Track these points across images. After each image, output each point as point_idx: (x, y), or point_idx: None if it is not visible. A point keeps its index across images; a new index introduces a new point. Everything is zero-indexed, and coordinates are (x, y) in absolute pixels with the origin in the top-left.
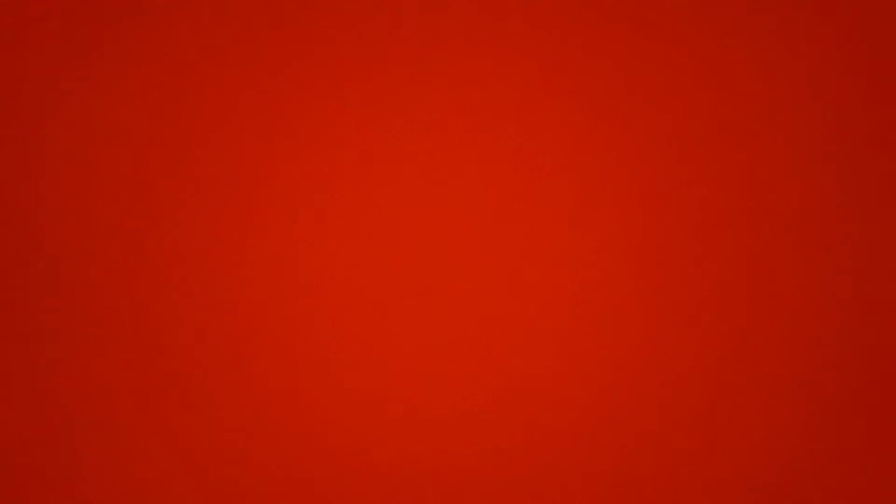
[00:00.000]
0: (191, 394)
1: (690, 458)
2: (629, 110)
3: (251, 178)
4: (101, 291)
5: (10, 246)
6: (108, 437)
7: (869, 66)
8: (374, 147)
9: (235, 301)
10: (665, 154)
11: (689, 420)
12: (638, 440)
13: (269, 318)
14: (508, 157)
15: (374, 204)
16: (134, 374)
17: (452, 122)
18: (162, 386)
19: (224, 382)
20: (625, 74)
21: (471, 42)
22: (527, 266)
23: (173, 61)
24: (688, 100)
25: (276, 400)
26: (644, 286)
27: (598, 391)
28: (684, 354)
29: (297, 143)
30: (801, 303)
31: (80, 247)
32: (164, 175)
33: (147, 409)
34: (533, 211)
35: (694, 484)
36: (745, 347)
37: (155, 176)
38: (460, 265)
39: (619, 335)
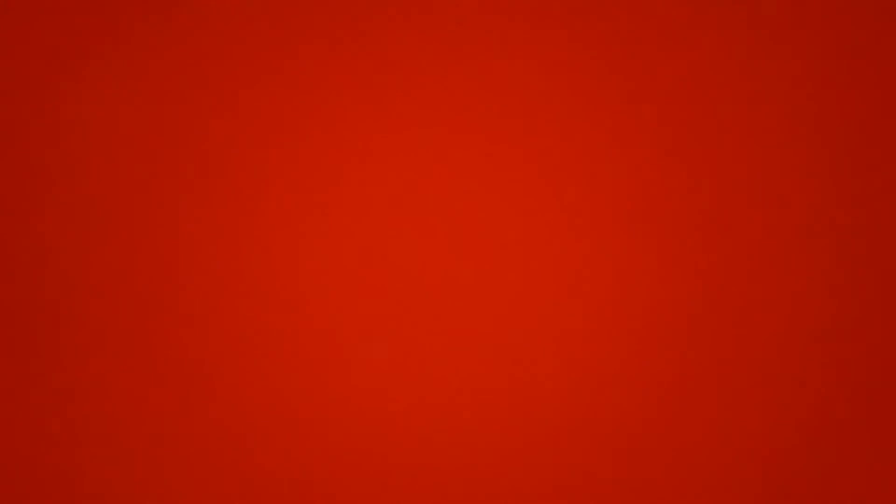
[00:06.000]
0: (190, 393)
1: (690, 458)
2: (629, 111)
3: (252, 179)
4: (102, 291)
5: (11, 245)
6: (109, 436)
7: (869, 66)
8: (376, 148)
9: (236, 300)
10: (664, 154)
11: (689, 420)
12: (638, 440)
13: (270, 318)
14: (509, 157)
15: (375, 204)
16: (134, 375)
17: (454, 124)
18: (161, 386)
19: (224, 382)
20: (625, 74)
21: (471, 44)
22: (527, 266)
23: (172, 62)
24: (687, 100)
25: (277, 400)
26: (644, 286)
27: (598, 392)
28: (684, 355)
29: (298, 143)
30: (801, 303)
31: (81, 246)
32: (163, 175)
33: (147, 408)
34: (533, 211)
35: (694, 483)
36: (745, 347)
37: (154, 176)
38: (461, 265)
39: (620, 335)
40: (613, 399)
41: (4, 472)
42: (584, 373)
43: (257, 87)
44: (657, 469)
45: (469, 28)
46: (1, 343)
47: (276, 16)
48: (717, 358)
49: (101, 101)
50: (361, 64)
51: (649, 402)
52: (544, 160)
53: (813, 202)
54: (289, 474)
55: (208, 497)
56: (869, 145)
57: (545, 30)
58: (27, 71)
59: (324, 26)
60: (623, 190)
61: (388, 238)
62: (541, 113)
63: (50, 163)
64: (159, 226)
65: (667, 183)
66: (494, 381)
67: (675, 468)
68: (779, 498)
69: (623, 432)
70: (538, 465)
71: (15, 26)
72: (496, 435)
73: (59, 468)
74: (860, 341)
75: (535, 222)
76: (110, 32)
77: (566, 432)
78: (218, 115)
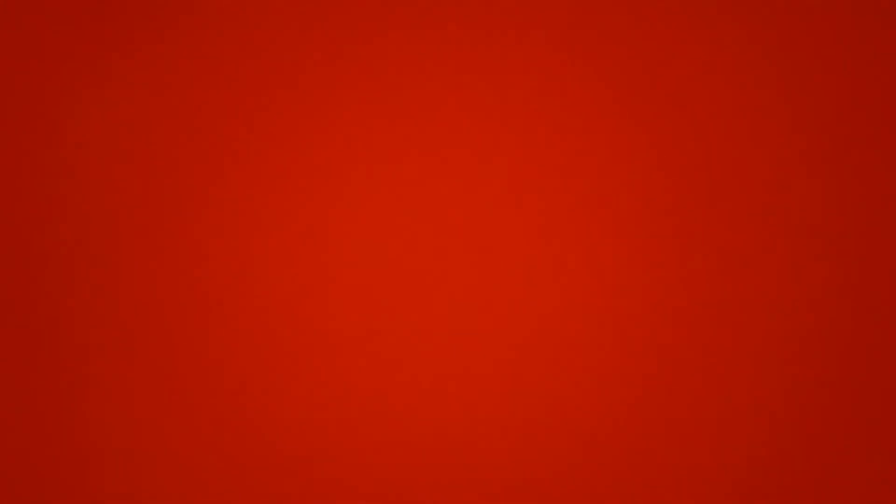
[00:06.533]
0: (192, 393)
1: (690, 459)
2: (630, 112)
3: (255, 180)
4: (106, 291)
5: (17, 246)
6: (113, 435)
7: (869, 65)
8: (379, 149)
9: (240, 300)
10: (665, 155)
11: (688, 421)
12: (637, 441)
13: (273, 318)
14: (510, 158)
15: (377, 205)
16: (132, 375)
17: (453, 125)
18: (163, 385)
19: (224, 382)
20: (626, 75)
21: (472, 44)
22: (525, 267)
23: (178, 65)
24: (688, 100)
25: (279, 400)
26: (643, 287)
27: (598, 392)
28: (684, 356)
29: (301, 144)
30: (803, 303)
31: (87, 246)
32: (162, 176)
33: (149, 408)
34: (532, 212)
35: (694, 485)
36: (746, 348)
37: (154, 177)
38: (462, 266)
39: (619, 335)
40: (613, 399)
41: (4, 472)
42: (583, 373)
43: (258, 90)
44: (656, 469)
45: (469, 30)
46: (2, 343)
47: (277, 19)
48: (716, 358)
49: (103, 102)
50: (364, 67)
51: (648, 402)
52: (544, 161)
53: (812, 202)
54: (287, 475)
55: (208, 497)
56: (868, 147)
57: (547, 32)
58: (34, 74)
59: (323, 27)
60: (623, 190)
61: (387, 238)
62: (540, 114)
63: (52, 164)
64: (157, 226)
65: (666, 183)
66: (493, 381)
67: (675, 468)
68: (779, 498)
69: (622, 432)
70: (536, 466)
71: (22, 31)
72: (494, 435)
73: (59, 468)
74: (860, 341)
75: (534, 223)
76: (118, 35)
77: (566, 432)
78: (217, 117)
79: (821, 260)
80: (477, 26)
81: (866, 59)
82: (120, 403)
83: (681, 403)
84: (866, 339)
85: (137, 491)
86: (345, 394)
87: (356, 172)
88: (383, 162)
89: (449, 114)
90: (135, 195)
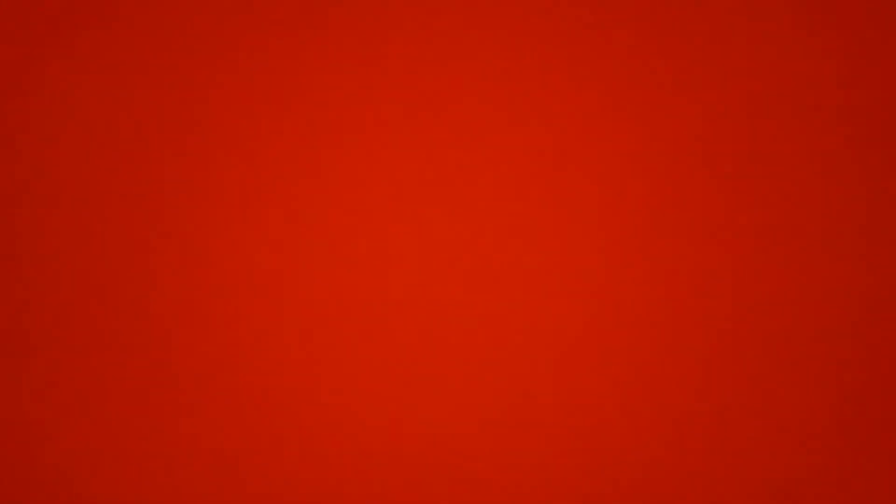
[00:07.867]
0: (187, 395)
1: (691, 461)
2: (631, 111)
3: (251, 179)
4: (99, 291)
5: (9, 245)
6: (106, 436)
7: (871, 65)
8: (376, 147)
9: (234, 301)
10: (666, 155)
11: (690, 423)
12: (639, 444)
13: (269, 319)
14: (509, 159)
15: (374, 205)
16: (130, 376)
17: (456, 124)
18: (158, 387)
19: (222, 383)
20: (629, 73)
21: (474, 43)
22: (527, 268)
23: (172, 59)
24: (691, 99)
25: (275, 402)
26: (645, 288)
27: (599, 394)
28: (687, 358)
29: (297, 143)
30: (807, 304)
31: (78, 246)
32: (161, 175)
33: (143, 409)
34: (533, 212)
35: (696, 487)
36: (748, 350)
37: (153, 176)
38: (462, 267)
39: (621, 337)
40: (613, 399)
41: (3, 471)
42: (585, 375)
43: (256, 86)
44: (655, 470)
45: (467, 29)
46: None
47: (276, 15)
48: (721, 360)
49: (100, 98)
50: (364, 65)
51: (648, 402)
52: (545, 161)
53: (811, 202)
54: (285, 476)
55: (206, 497)
56: (868, 146)
57: (548, 30)
58: (28, 70)
59: (320, 25)
60: (622, 189)
61: (383, 239)
62: (542, 114)
63: (48, 161)
64: (156, 226)
65: (665, 183)
66: (491, 384)
67: (674, 470)
68: (779, 498)
69: (623, 433)
70: (535, 467)
71: (9, 20)
72: (493, 438)
73: (55, 468)
74: (862, 341)
75: (534, 223)
76: (110, 28)
77: (565, 433)
78: (210, 114)
79: (821, 259)
80: (475, 26)
81: (867, 59)
82: (115, 403)
83: (682, 404)
84: (868, 339)
85: (133, 491)
86: (342, 394)
87: (354, 168)
88: (381, 161)
89: (447, 112)
90: (132, 193)
